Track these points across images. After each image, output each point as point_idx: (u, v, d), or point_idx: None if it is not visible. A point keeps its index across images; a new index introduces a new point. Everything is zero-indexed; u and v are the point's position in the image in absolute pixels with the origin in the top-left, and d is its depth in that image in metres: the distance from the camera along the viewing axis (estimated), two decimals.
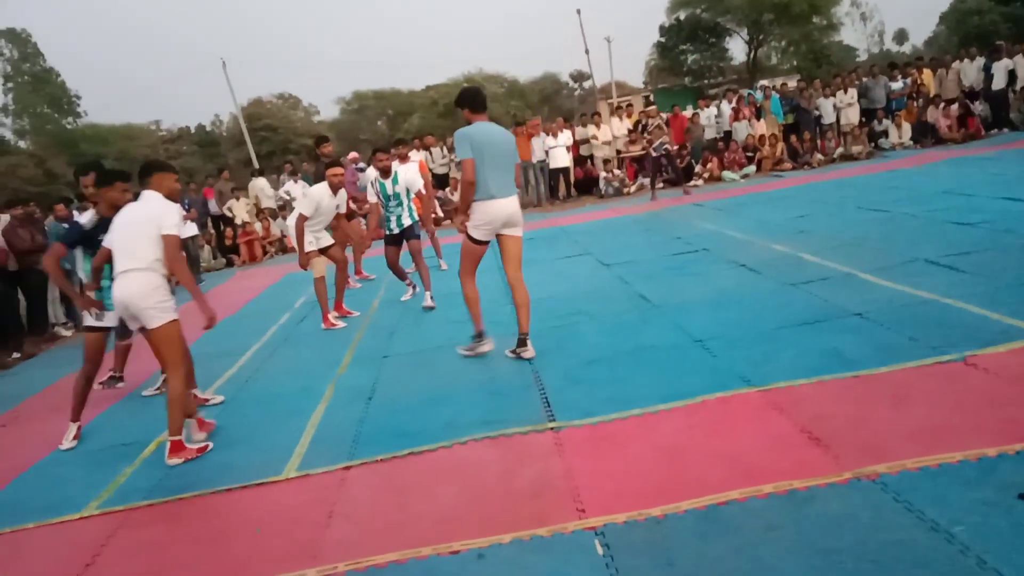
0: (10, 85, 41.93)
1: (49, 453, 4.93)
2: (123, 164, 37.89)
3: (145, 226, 4.34)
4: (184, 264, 4.41)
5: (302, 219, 6.94)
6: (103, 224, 4.96)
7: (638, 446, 3.52)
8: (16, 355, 8.66)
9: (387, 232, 7.56)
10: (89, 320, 5.18)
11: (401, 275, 7.82)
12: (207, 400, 5.35)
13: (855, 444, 3.16)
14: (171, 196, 4.53)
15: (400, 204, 7.38)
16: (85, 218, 5.20)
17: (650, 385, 4.24)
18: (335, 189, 7.15)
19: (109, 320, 5.17)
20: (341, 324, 7.18)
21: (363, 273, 9.68)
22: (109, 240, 4.58)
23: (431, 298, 7.33)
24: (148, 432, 4.94)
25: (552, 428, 3.88)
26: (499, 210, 4.94)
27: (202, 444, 4.45)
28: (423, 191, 7.79)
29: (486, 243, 5.12)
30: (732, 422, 3.60)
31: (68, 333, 9.74)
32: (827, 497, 2.80)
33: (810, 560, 2.43)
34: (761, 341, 4.67)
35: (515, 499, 3.21)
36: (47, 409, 6.17)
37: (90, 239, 5.12)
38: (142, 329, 4.43)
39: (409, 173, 7.45)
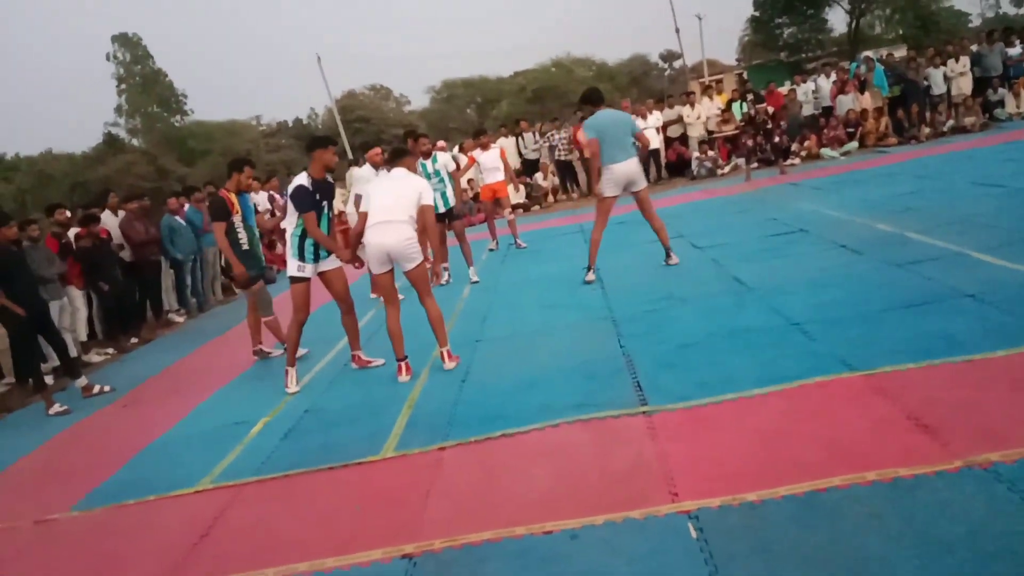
0: (123, 87, 44.52)
1: (167, 431, 5.26)
2: (227, 158, 39.65)
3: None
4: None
5: (364, 216, 7.10)
6: (316, 184, 5.46)
7: (733, 430, 3.46)
8: (134, 340, 9.25)
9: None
10: (294, 272, 5.60)
11: (442, 256, 8.35)
12: (370, 363, 5.82)
13: (966, 431, 3.01)
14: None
15: (442, 182, 8.26)
16: (304, 181, 5.47)
17: (745, 369, 4.15)
18: (376, 167, 7.84)
19: (309, 271, 5.62)
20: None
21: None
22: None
23: (475, 273, 8.45)
24: (256, 412, 5.20)
25: (644, 412, 3.86)
26: (620, 171, 6.73)
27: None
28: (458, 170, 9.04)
29: (613, 198, 6.90)
30: (832, 407, 3.49)
31: (181, 319, 10.32)
32: (935, 485, 2.68)
33: (917, 550, 2.34)
34: (863, 324, 4.49)
35: (608, 482, 3.21)
36: (164, 391, 6.58)
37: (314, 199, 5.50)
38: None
39: (444, 156, 8.67)
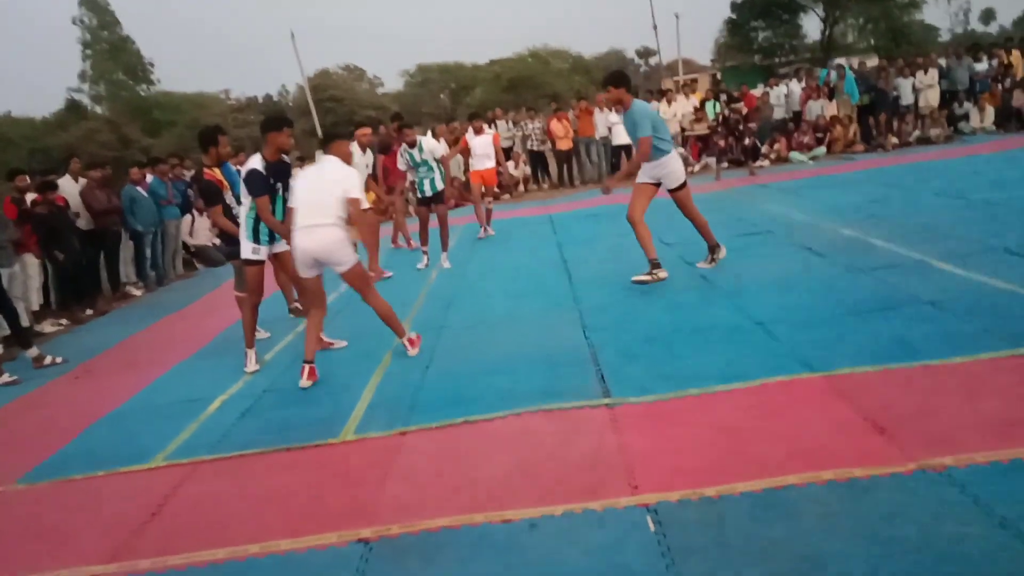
0: (88, 52, 43.30)
1: (120, 405, 5.14)
2: (194, 131, 38.84)
3: None
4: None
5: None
6: (269, 168, 5.32)
7: (694, 426, 3.48)
8: (89, 311, 9.02)
9: (419, 195, 8.55)
10: (248, 254, 5.48)
11: (423, 239, 8.56)
12: (332, 344, 5.74)
13: (921, 435, 3.06)
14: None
15: (431, 169, 8.21)
16: (257, 163, 5.31)
17: (708, 365, 4.18)
18: (363, 148, 7.65)
19: (264, 254, 5.53)
20: (388, 273, 8.09)
21: (398, 243, 10.39)
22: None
23: (447, 259, 8.32)
24: (214, 389, 5.11)
25: (607, 404, 3.86)
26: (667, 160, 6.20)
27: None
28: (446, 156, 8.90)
29: (653, 185, 6.33)
30: (792, 406, 3.53)
31: (138, 292, 10.09)
32: (890, 487, 2.72)
33: (869, 549, 2.37)
34: (825, 326, 4.55)
35: (569, 472, 3.21)
36: (119, 364, 6.43)
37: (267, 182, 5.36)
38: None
39: (431, 142, 8.47)
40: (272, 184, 5.30)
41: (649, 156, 6.08)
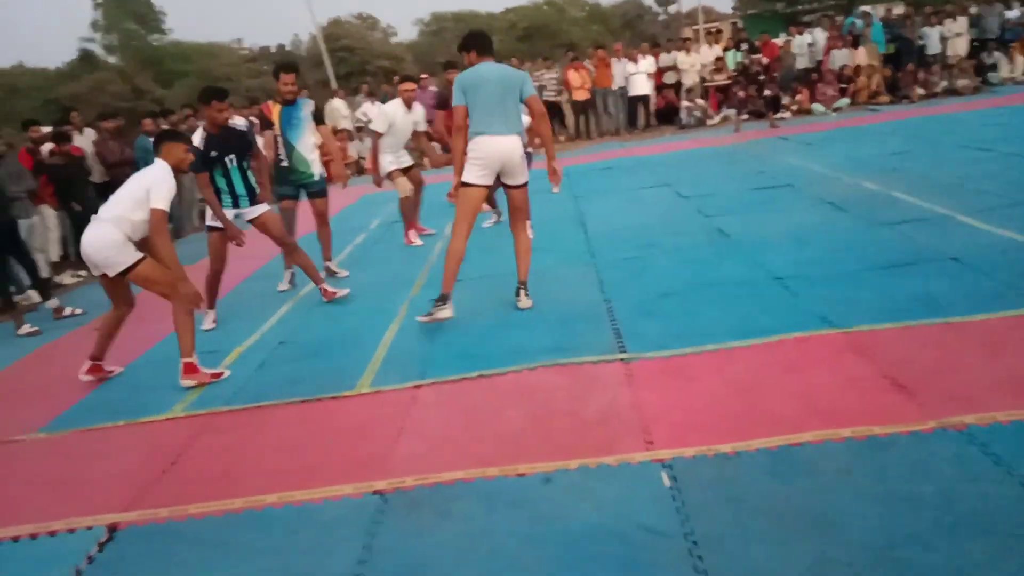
0: (99, 1, 42.85)
1: (138, 357, 5.18)
2: (206, 82, 38.58)
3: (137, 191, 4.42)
4: (166, 238, 4.41)
5: (376, 136, 6.98)
6: (211, 140, 5.28)
7: (710, 381, 3.46)
8: None
9: None
10: (209, 221, 5.46)
11: (491, 201, 7.74)
12: (336, 294, 5.73)
13: (942, 392, 3.02)
14: (178, 166, 4.57)
15: None
16: (197, 138, 5.31)
17: (725, 321, 4.14)
18: (408, 104, 7.06)
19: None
20: (419, 242, 7.29)
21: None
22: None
23: (530, 227, 7.07)
24: (230, 342, 5.14)
25: (622, 359, 3.84)
26: (492, 146, 4.62)
27: (218, 371, 4.57)
28: None
29: (483, 187, 4.74)
30: (810, 363, 3.49)
31: None
32: (908, 445, 2.69)
33: (887, 507, 2.35)
34: (844, 282, 4.49)
35: (583, 427, 3.20)
36: (137, 316, 6.39)
37: (206, 156, 5.30)
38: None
39: None
40: (214, 158, 5.28)
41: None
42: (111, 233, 4.35)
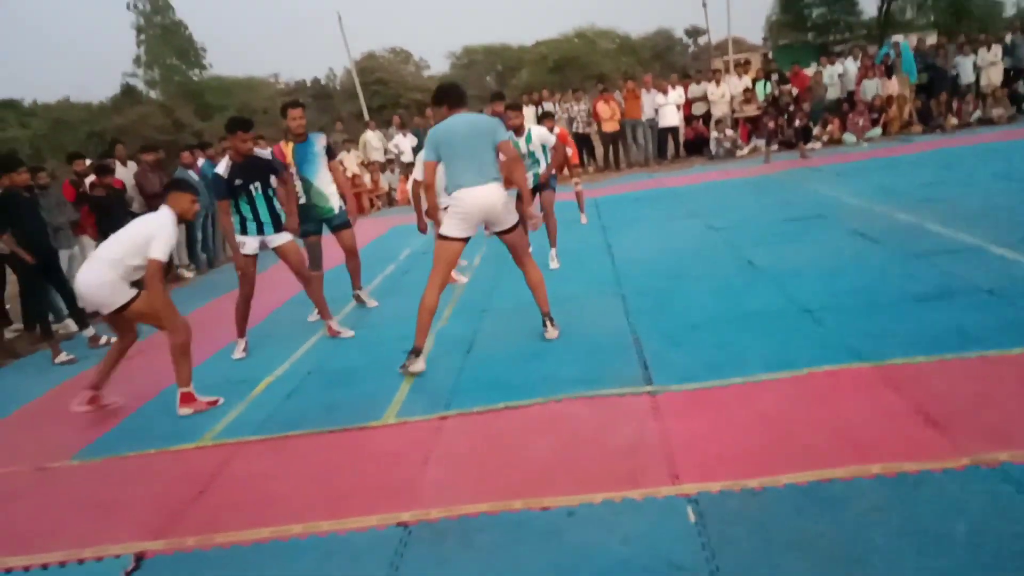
0: (143, 38, 44.22)
1: (170, 384, 5.25)
2: (245, 114, 39.42)
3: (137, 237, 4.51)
4: (159, 288, 4.49)
5: (417, 185, 6.90)
6: (236, 169, 5.41)
7: (738, 414, 3.42)
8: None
9: None
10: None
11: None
12: (339, 333, 5.80)
13: (976, 428, 2.95)
14: (182, 216, 4.70)
15: (536, 162, 7.21)
16: (221, 167, 5.45)
17: (754, 353, 4.10)
18: None
19: (250, 248, 5.57)
20: (463, 279, 7.14)
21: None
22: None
23: (555, 257, 7.22)
24: (260, 370, 5.20)
25: (649, 391, 3.82)
26: (472, 198, 4.56)
27: (213, 399, 4.67)
28: (556, 147, 7.46)
29: (460, 240, 4.68)
30: (840, 396, 3.44)
31: (190, 275, 10.33)
32: (941, 482, 2.63)
33: (919, 545, 2.30)
34: (876, 314, 4.43)
35: (608, 459, 3.19)
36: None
37: (231, 184, 5.43)
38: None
39: (541, 131, 7.21)
40: (238, 186, 5.41)
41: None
42: (106, 275, 4.45)
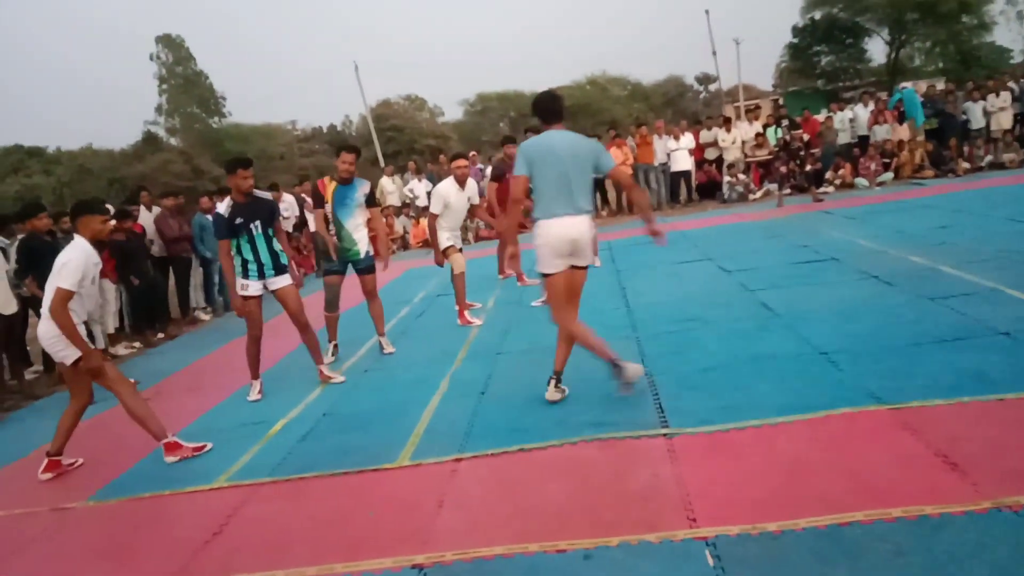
0: (164, 87, 45.32)
1: (187, 426, 5.29)
2: (262, 161, 40.18)
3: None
4: (62, 317, 4.41)
5: (433, 218, 7.07)
6: (237, 208, 5.46)
7: (755, 458, 3.40)
8: (160, 335, 9.35)
9: None
10: (241, 290, 5.60)
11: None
12: (331, 378, 5.81)
13: (997, 471, 2.92)
14: (95, 237, 4.71)
15: None
16: (222, 207, 5.55)
17: (770, 396, 4.08)
18: (461, 182, 7.10)
19: (254, 289, 5.59)
20: (477, 321, 7.16)
21: (506, 272, 9.32)
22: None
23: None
24: (275, 412, 5.22)
25: (665, 434, 3.81)
26: (560, 231, 4.22)
27: (200, 444, 4.71)
28: None
29: (563, 274, 4.33)
30: (858, 440, 3.42)
31: (207, 317, 10.42)
32: (962, 526, 2.60)
33: None
34: (892, 357, 4.41)
35: (625, 503, 3.17)
36: (187, 387, 6.63)
37: (231, 224, 5.49)
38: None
39: None
40: (239, 225, 5.46)
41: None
42: (53, 328, 4.47)
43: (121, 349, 8.80)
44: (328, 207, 6.21)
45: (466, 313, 7.23)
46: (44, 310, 4.52)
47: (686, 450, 3.59)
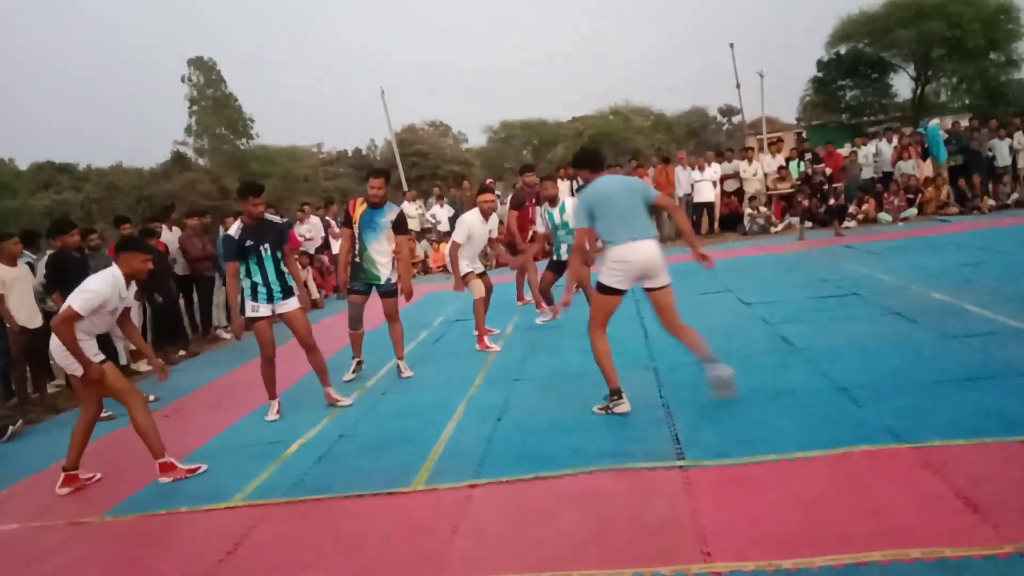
0: (194, 108, 46.18)
1: (205, 443, 5.33)
2: (286, 183, 40.69)
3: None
4: (64, 332, 4.51)
5: (455, 246, 7.19)
6: (247, 231, 5.57)
7: (772, 493, 3.37)
8: (182, 353, 9.44)
9: (554, 258, 7.84)
10: (250, 313, 5.70)
11: (549, 300, 7.93)
12: (338, 401, 5.83)
13: (1019, 514, 2.87)
14: (132, 275, 4.78)
15: (570, 232, 7.42)
16: (233, 229, 5.66)
17: (788, 430, 4.05)
18: (486, 215, 7.28)
19: (263, 311, 5.67)
20: (496, 347, 7.22)
21: (525, 299, 9.34)
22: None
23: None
24: (292, 433, 5.25)
25: (681, 466, 3.78)
26: (635, 254, 4.64)
27: (193, 466, 4.74)
28: None
29: (619, 292, 4.77)
30: (878, 478, 3.37)
31: (228, 336, 10.50)
32: (983, 569, 2.55)
33: None
34: (914, 394, 4.36)
35: (639, 534, 3.14)
36: (206, 404, 6.68)
37: (241, 246, 5.59)
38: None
39: (576, 202, 7.33)
40: (248, 247, 5.56)
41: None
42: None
43: (143, 365, 8.88)
44: (356, 228, 6.30)
45: (485, 339, 7.26)
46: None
47: (702, 483, 3.56)
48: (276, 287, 5.67)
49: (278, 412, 5.78)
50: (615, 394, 4.72)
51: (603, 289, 4.78)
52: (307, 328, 5.78)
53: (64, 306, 4.53)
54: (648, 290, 4.83)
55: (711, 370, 4.70)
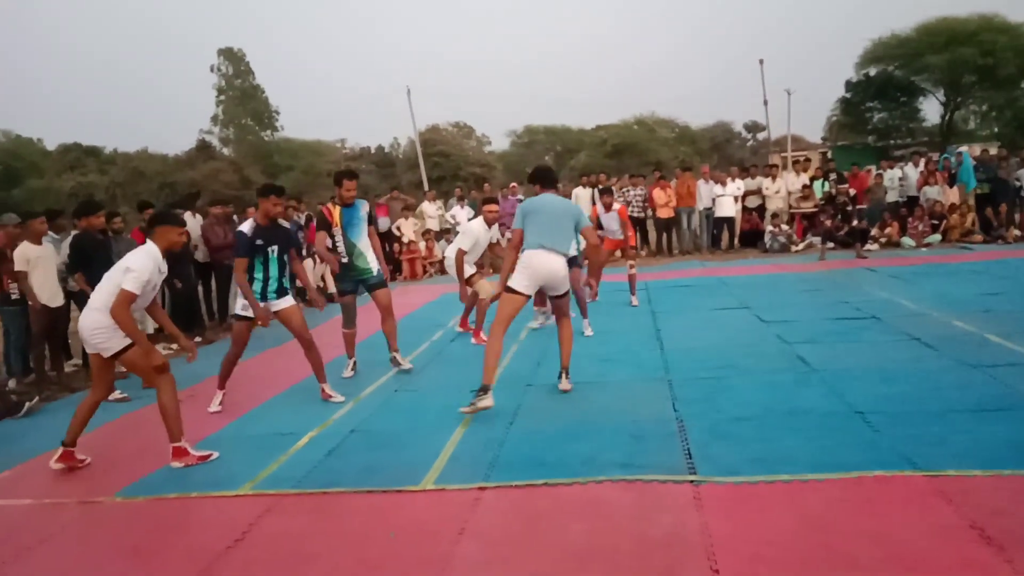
0: (222, 98, 46.62)
1: (217, 431, 5.36)
2: (310, 177, 40.92)
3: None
4: (124, 317, 4.49)
5: (461, 253, 7.31)
6: (259, 230, 5.67)
7: (782, 513, 3.34)
8: (198, 339, 9.50)
9: None
10: (239, 310, 5.86)
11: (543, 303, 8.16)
12: (331, 397, 5.89)
13: None
14: (168, 248, 4.82)
15: (576, 241, 7.51)
16: (246, 227, 5.73)
17: (801, 451, 4.01)
18: (489, 224, 7.60)
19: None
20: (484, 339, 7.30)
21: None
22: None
23: (589, 326, 7.72)
24: (304, 425, 5.27)
25: (692, 480, 3.76)
26: (539, 262, 5.27)
27: (205, 453, 4.77)
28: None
29: (524, 296, 5.32)
30: (891, 504, 3.34)
31: None
32: None
33: None
34: (931, 422, 4.31)
35: (646, 547, 3.13)
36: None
37: (252, 243, 5.67)
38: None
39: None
40: (259, 247, 5.65)
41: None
42: (102, 320, 4.57)
43: (160, 350, 8.95)
44: (338, 230, 6.42)
45: (481, 333, 7.53)
46: (93, 302, 4.64)
47: (712, 499, 3.54)
48: (273, 288, 5.79)
49: (220, 404, 5.94)
50: (483, 390, 5.05)
51: (508, 290, 5.32)
52: (302, 323, 5.87)
53: (114, 289, 4.52)
54: (552, 298, 5.62)
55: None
